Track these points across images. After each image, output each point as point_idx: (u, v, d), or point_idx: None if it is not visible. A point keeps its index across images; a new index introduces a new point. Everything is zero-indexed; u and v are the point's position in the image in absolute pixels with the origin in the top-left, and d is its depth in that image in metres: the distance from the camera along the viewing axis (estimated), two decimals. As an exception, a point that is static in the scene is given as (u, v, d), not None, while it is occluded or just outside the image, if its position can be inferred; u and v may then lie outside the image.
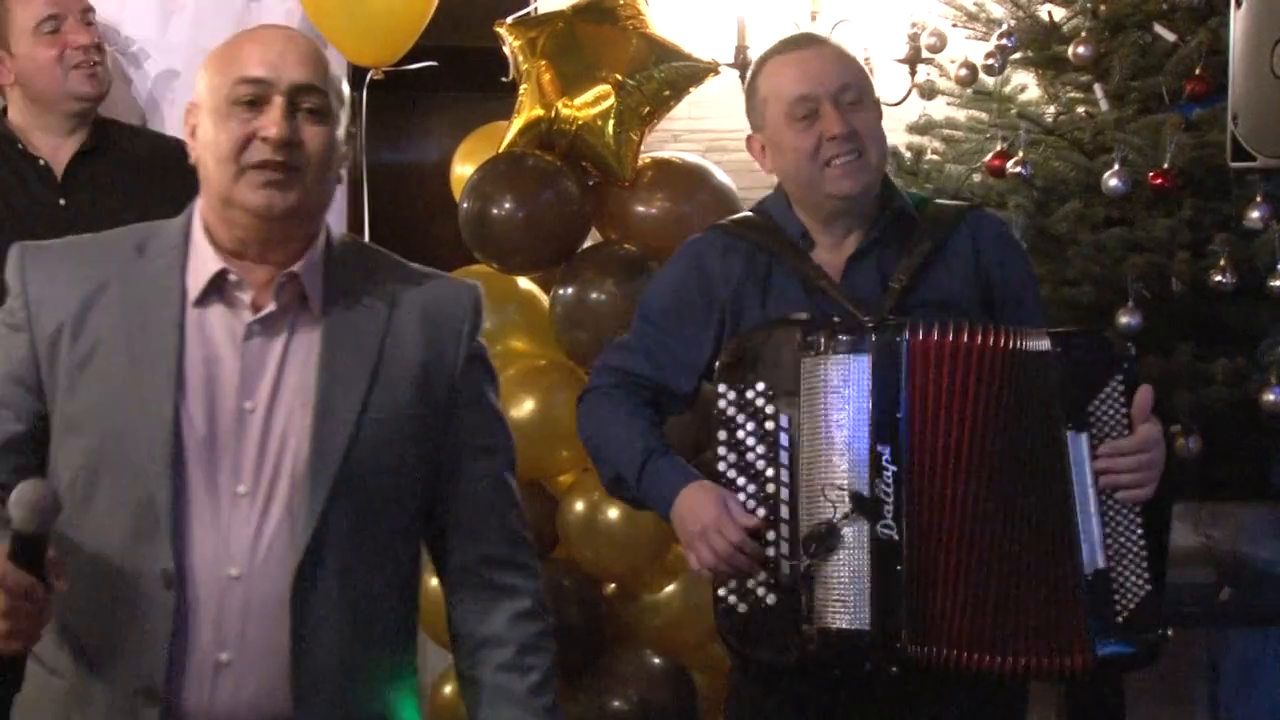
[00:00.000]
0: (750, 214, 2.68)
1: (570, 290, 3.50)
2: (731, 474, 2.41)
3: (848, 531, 2.30)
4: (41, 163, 3.19)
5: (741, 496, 2.39)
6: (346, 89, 2.06)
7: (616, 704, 3.49)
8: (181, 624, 1.93)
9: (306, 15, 3.72)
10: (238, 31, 2.14)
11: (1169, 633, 2.35)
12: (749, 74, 2.68)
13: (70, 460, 1.99)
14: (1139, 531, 2.34)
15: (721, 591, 2.40)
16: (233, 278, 2.00)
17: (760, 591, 2.37)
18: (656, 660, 3.54)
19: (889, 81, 3.83)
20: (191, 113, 2.03)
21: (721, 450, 2.43)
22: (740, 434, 2.41)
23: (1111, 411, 2.37)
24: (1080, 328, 2.65)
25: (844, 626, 2.30)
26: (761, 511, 2.37)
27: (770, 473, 2.38)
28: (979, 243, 2.57)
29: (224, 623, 1.94)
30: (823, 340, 2.36)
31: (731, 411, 2.42)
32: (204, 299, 2.00)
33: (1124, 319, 3.37)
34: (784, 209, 2.59)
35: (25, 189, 3.16)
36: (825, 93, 2.47)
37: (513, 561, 2.16)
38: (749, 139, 2.62)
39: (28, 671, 1.98)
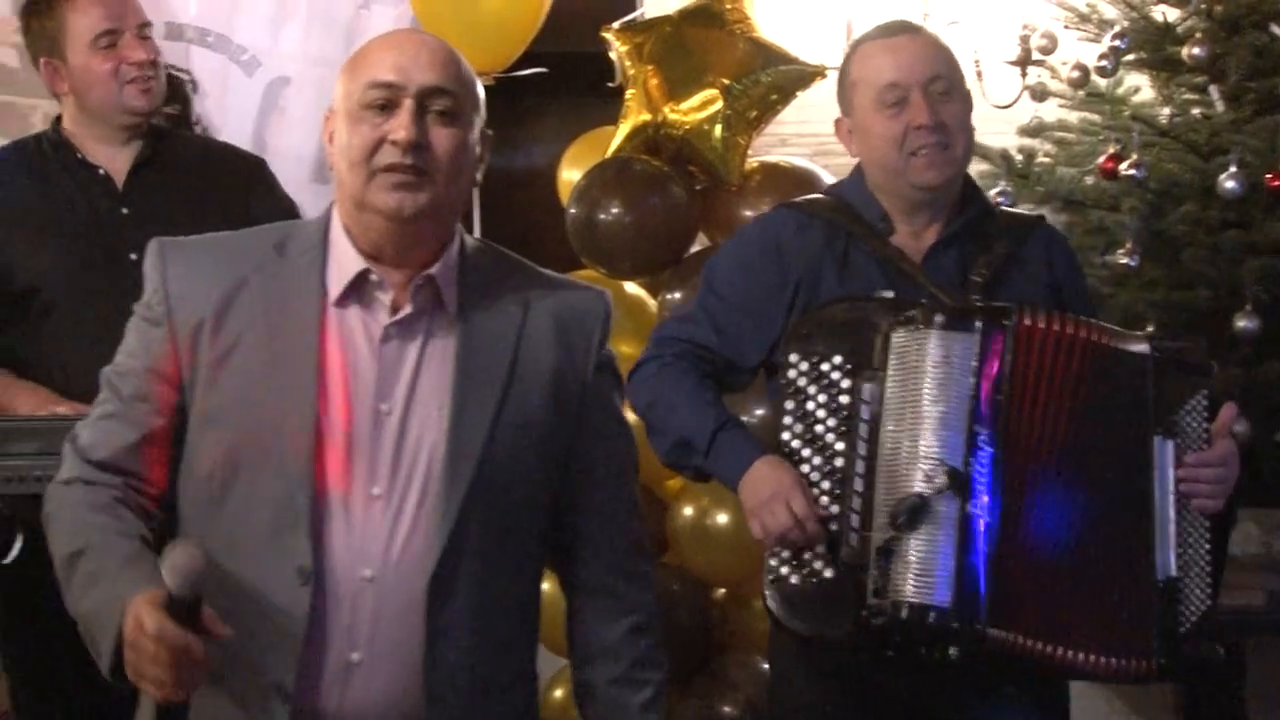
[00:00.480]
0: (820, 196, 2.67)
1: (678, 294, 3.50)
2: (796, 444, 2.39)
3: (939, 507, 2.27)
4: (101, 172, 3.20)
5: (805, 469, 2.37)
6: (481, 92, 2.06)
7: (726, 709, 3.49)
8: (316, 622, 1.94)
9: (418, 22, 3.75)
10: (348, 39, 2.14)
11: (1224, 651, 2.33)
12: (843, 58, 2.67)
13: (209, 454, 2.00)
14: (1207, 545, 2.34)
15: (774, 562, 2.37)
16: (374, 278, 2.01)
17: (817, 564, 2.34)
18: (766, 665, 3.52)
19: (1000, 84, 3.83)
20: (329, 119, 2.05)
21: (787, 420, 2.40)
22: (810, 405, 2.39)
23: (1194, 423, 2.36)
24: (1170, 336, 2.62)
25: (920, 601, 2.25)
26: (827, 484, 2.35)
27: (841, 446, 2.35)
28: (1053, 254, 2.59)
29: (356, 623, 1.95)
30: (920, 317, 2.34)
31: (802, 382, 2.40)
32: (344, 299, 2.01)
33: (1241, 323, 3.33)
34: (861, 192, 2.58)
35: (87, 199, 3.17)
36: (915, 82, 2.48)
37: (634, 572, 2.16)
38: (837, 122, 2.62)
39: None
